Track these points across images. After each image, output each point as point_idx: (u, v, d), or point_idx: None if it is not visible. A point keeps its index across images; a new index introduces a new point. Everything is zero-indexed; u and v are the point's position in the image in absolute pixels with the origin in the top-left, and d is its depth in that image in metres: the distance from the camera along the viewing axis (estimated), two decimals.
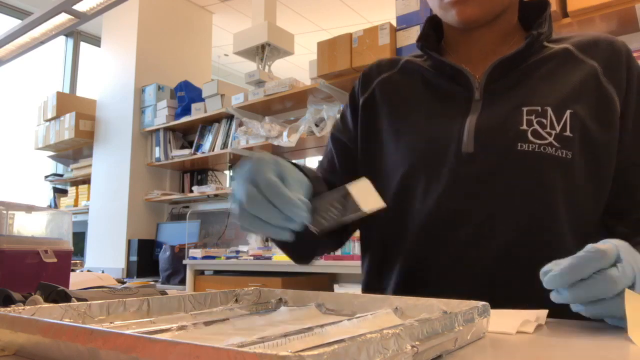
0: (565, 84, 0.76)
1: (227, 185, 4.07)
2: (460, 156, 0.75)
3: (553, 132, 0.72)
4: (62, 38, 5.15)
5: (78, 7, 2.60)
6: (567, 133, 0.72)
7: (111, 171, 4.15)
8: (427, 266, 0.76)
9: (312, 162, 4.21)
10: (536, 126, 0.73)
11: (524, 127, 0.73)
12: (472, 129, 0.75)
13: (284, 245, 0.83)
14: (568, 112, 0.73)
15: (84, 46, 5.31)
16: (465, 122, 0.76)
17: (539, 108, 0.74)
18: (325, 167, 0.93)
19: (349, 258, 2.60)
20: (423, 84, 0.85)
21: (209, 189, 3.73)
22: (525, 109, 0.74)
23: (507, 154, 0.72)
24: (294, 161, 0.71)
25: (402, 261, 0.78)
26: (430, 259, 0.75)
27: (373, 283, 0.84)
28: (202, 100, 3.77)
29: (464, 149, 0.75)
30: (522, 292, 0.64)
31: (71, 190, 4.68)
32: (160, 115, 3.98)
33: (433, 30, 0.89)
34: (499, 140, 0.73)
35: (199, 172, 4.12)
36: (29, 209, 0.86)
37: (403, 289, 0.77)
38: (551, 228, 0.71)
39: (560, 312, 0.57)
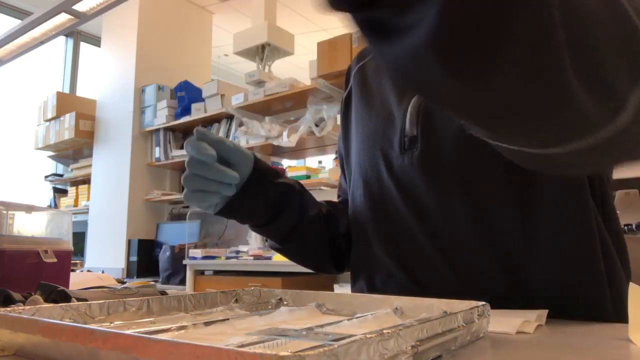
0: None
1: None
2: (404, 139, 0.72)
3: None
4: (62, 38, 5.15)
5: (78, 7, 2.59)
6: None
7: (111, 171, 4.15)
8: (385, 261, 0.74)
9: (312, 162, 4.20)
10: None
11: None
12: (415, 110, 0.72)
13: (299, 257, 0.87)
14: None
15: (84, 46, 5.31)
16: (410, 104, 0.73)
17: None
18: (343, 188, 0.92)
19: None
20: (380, 71, 0.82)
21: None
22: None
23: (455, 138, 0.67)
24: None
25: (373, 257, 0.76)
26: (388, 251, 0.73)
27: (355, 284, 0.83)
28: (202, 100, 3.77)
29: (408, 132, 0.72)
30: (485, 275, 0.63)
31: (71, 190, 4.68)
32: (160, 115, 3.98)
33: None
34: (443, 122, 0.68)
35: None
36: (29, 209, 0.86)
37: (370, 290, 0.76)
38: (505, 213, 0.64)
39: (560, 312, 0.57)
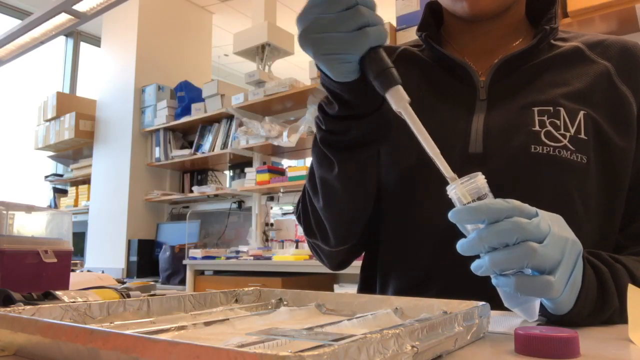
0: (577, 84, 0.71)
1: (228, 185, 4.07)
2: (467, 157, 0.68)
3: (567, 134, 0.66)
4: (62, 38, 5.15)
5: (78, 7, 2.59)
6: (582, 135, 0.67)
7: (111, 171, 4.15)
8: (429, 276, 0.70)
9: None
10: (549, 127, 0.67)
11: (537, 127, 0.67)
12: (481, 127, 0.69)
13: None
14: (582, 112, 0.68)
15: (84, 46, 5.32)
16: (472, 121, 0.70)
17: (551, 108, 0.68)
18: None
19: None
20: (421, 78, 0.78)
21: (209, 189, 3.73)
22: (536, 109, 0.68)
23: (519, 156, 0.66)
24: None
25: (403, 269, 0.73)
26: (434, 269, 0.70)
27: (369, 287, 0.80)
28: (202, 100, 3.77)
29: (472, 149, 0.69)
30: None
31: (71, 190, 4.69)
32: (160, 116, 3.98)
33: (432, 16, 0.81)
34: (510, 141, 0.67)
35: (199, 172, 4.12)
36: (29, 209, 0.86)
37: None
38: None
39: (545, 314, 0.57)
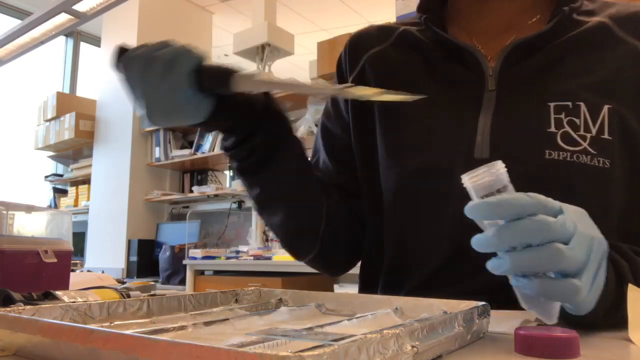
0: (601, 71, 0.62)
1: (228, 185, 4.07)
2: (472, 162, 0.61)
3: (588, 136, 0.59)
4: (62, 38, 5.15)
5: (78, 7, 2.59)
6: (605, 135, 0.59)
7: (111, 171, 4.15)
8: (437, 275, 0.66)
9: None
10: (567, 127, 0.59)
11: (552, 129, 0.60)
12: (488, 129, 0.62)
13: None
14: (606, 107, 0.60)
15: (84, 46, 5.31)
16: (478, 120, 0.63)
17: (570, 103, 0.60)
18: (320, 168, 0.79)
19: None
20: (422, 64, 0.70)
21: (209, 189, 3.73)
22: (552, 105, 0.60)
23: (532, 163, 0.59)
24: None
25: (410, 279, 0.69)
26: (443, 267, 0.65)
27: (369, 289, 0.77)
28: None
29: (477, 154, 0.62)
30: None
31: (71, 190, 4.68)
32: None
33: None
34: (521, 146, 0.61)
35: (199, 172, 4.12)
36: (29, 209, 0.86)
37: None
38: None
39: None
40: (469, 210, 0.41)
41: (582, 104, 0.60)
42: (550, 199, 0.43)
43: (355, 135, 0.76)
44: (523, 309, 0.57)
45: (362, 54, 0.76)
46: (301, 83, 0.49)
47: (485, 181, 0.42)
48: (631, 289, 0.46)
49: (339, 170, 0.78)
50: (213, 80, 0.52)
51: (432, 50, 0.70)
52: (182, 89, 0.51)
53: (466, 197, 0.52)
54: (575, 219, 0.43)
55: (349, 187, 0.77)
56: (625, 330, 0.43)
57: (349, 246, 0.78)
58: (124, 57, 0.56)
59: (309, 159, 0.79)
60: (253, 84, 0.51)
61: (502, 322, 0.51)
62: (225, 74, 0.51)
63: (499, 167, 0.43)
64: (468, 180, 0.43)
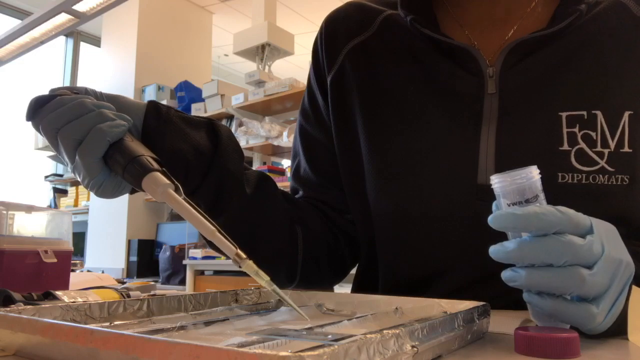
0: (620, 65, 0.54)
1: None
2: (475, 190, 0.55)
3: (606, 152, 0.52)
4: (62, 38, 5.15)
5: (78, 7, 2.60)
6: (625, 149, 0.52)
7: None
8: (438, 275, 0.61)
9: None
10: (582, 144, 0.52)
11: (565, 146, 0.52)
12: (492, 149, 0.55)
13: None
14: (627, 114, 0.52)
15: (84, 46, 5.31)
16: (480, 138, 0.55)
17: (585, 113, 0.52)
18: (300, 177, 0.71)
19: None
20: (411, 63, 0.61)
21: None
22: (564, 115, 0.53)
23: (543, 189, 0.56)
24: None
25: (409, 268, 0.63)
26: (444, 267, 0.60)
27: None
28: (202, 100, 3.77)
29: (481, 179, 0.55)
30: None
31: (71, 190, 4.69)
32: None
33: None
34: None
35: None
36: (29, 209, 0.86)
37: None
38: None
39: None
40: (494, 219, 0.38)
41: (599, 113, 0.53)
42: (581, 215, 0.39)
43: (339, 149, 0.67)
44: (523, 309, 0.57)
45: (341, 46, 0.67)
46: (205, 226, 0.44)
47: (515, 187, 0.39)
48: (634, 290, 0.46)
49: (323, 185, 0.70)
50: (125, 174, 0.45)
51: (421, 45, 0.61)
52: (95, 171, 0.45)
53: (468, 223, 0.48)
54: (604, 240, 0.39)
55: (335, 204, 0.70)
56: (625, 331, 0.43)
57: (335, 265, 0.73)
58: (37, 115, 0.46)
59: (290, 163, 0.71)
60: (154, 191, 0.45)
61: (502, 322, 0.51)
62: (138, 172, 0.44)
63: (534, 174, 0.39)
64: (498, 183, 0.40)
